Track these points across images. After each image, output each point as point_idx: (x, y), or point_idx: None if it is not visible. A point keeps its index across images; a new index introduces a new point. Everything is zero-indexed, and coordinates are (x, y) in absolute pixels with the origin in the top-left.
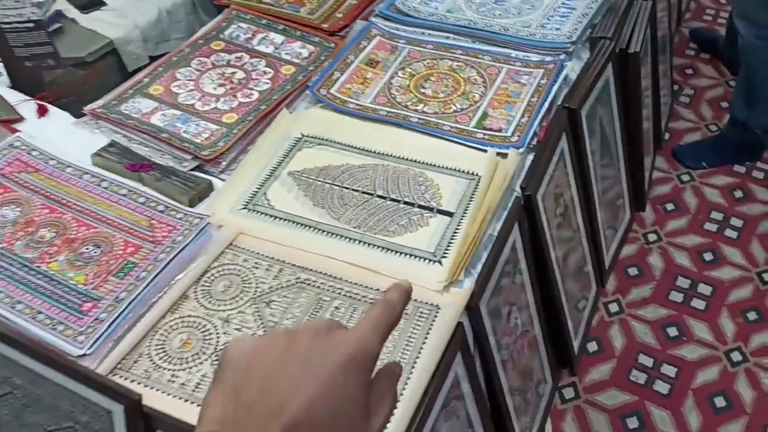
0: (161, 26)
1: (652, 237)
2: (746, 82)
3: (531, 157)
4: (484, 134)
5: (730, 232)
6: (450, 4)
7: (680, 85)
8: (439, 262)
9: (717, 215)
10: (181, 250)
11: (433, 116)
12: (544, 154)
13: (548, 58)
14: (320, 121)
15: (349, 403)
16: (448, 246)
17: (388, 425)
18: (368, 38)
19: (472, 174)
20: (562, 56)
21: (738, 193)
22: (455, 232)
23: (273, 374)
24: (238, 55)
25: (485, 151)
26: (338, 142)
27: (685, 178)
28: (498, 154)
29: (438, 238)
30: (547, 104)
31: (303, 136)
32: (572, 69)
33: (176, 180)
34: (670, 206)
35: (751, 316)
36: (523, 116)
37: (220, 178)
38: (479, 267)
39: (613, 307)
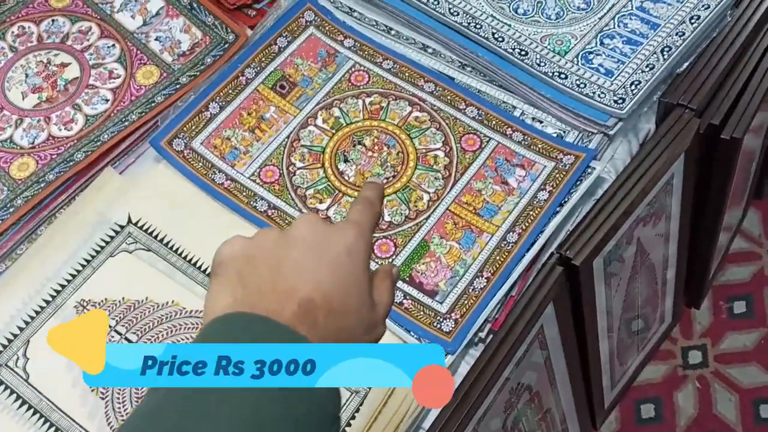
0: None
1: (694, 357)
2: None
3: (472, 356)
4: (405, 297)
5: None
6: None
7: None
8: None
9: None
10: None
11: None
12: (489, 368)
13: (571, 138)
14: (166, 197)
15: (355, 284)
16: None
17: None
18: (293, 30)
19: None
20: (595, 141)
21: None
22: None
23: (278, 260)
24: (85, 25)
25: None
26: (178, 250)
27: None
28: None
29: None
30: (532, 253)
31: (130, 223)
32: (611, 156)
33: None
34: (739, 306)
35: None
36: (482, 270)
37: None
38: None
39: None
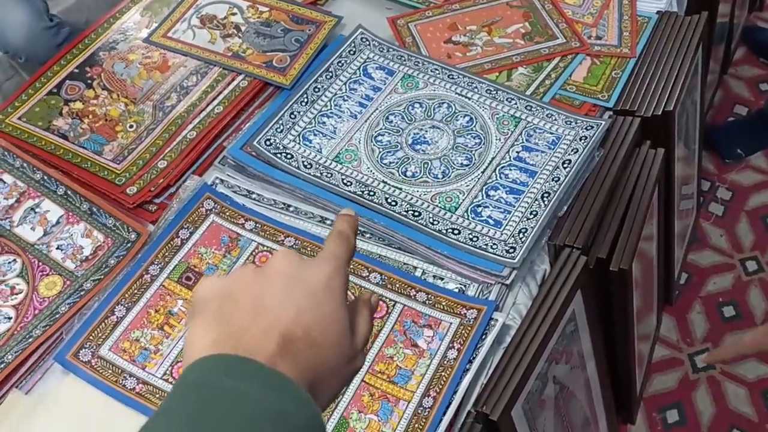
0: None
1: None
2: None
3: None
4: None
5: None
6: (343, 143)
7: (713, 183)
8: None
9: None
10: None
11: None
12: None
13: (472, 291)
14: (77, 411)
15: (335, 316)
16: None
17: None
18: (194, 221)
19: None
20: (494, 292)
21: None
22: None
23: (257, 295)
24: None
25: None
26: None
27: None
28: None
29: None
30: (449, 416)
31: None
32: (512, 303)
33: None
34: (672, 415)
35: None
36: None
37: None
38: None
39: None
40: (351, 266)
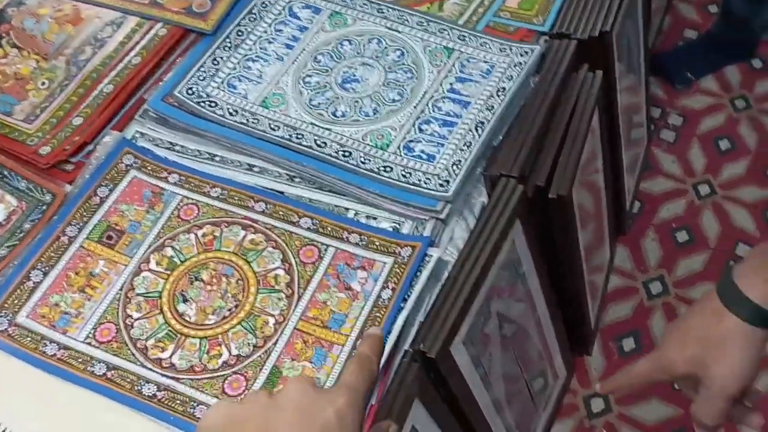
0: None
1: (597, 405)
2: None
3: None
4: None
5: None
6: (270, 87)
7: (664, 109)
8: None
9: None
10: None
11: (180, 392)
12: None
13: (407, 229)
14: None
15: None
16: None
17: None
18: (113, 177)
19: None
20: (429, 228)
21: None
22: None
23: (267, 429)
24: None
25: None
26: None
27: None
28: None
29: None
30: (384, 355)
31: None
32: (450, 238)
33: None
34: (628, 343)
35: None
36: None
37: None
38: None
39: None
40: (281, 213)
